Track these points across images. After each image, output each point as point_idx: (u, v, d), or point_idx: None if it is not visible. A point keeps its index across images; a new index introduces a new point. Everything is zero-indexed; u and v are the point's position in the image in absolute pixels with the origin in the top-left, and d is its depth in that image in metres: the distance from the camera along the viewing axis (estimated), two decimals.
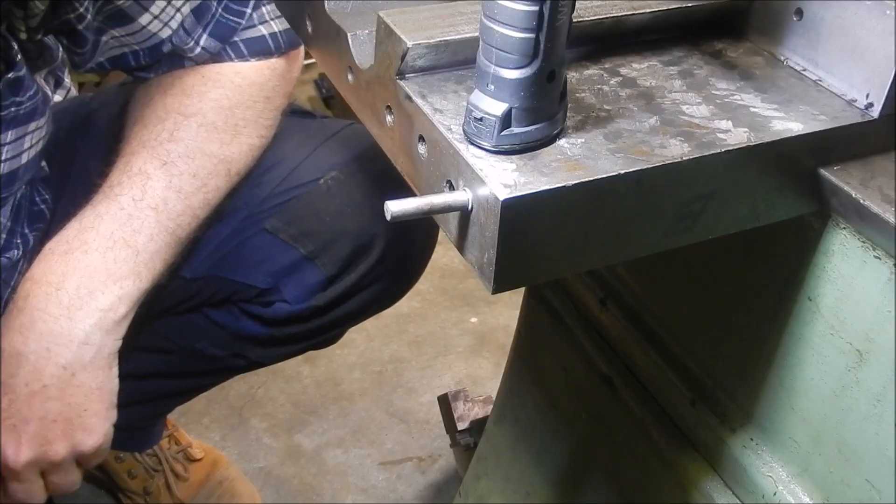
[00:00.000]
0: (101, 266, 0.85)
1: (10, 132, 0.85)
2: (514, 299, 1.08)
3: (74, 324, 0.83)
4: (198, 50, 0.95)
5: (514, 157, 0.48)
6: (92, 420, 0.85)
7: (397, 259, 1.08)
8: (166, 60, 0.97)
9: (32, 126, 0.88)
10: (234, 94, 0.95)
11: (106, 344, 0.84)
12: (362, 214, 1.04)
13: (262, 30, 0.97)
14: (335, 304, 1.07)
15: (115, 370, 0.86)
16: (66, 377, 0.82)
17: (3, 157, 0.86)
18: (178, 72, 0.96)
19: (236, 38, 0.96)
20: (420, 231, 1.10)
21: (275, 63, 0.99)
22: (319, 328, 1.10)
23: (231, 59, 0.97)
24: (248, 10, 0.95)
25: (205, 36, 0.94)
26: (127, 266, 0.85)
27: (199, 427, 1.62)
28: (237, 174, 0.95)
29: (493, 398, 1.17)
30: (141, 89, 0.98)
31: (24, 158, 0.89)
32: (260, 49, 0.97)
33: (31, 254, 0.94)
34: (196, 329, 1.13)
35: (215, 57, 0.97)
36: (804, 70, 0.58)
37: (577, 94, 0.54)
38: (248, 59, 0.97)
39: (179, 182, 0.90)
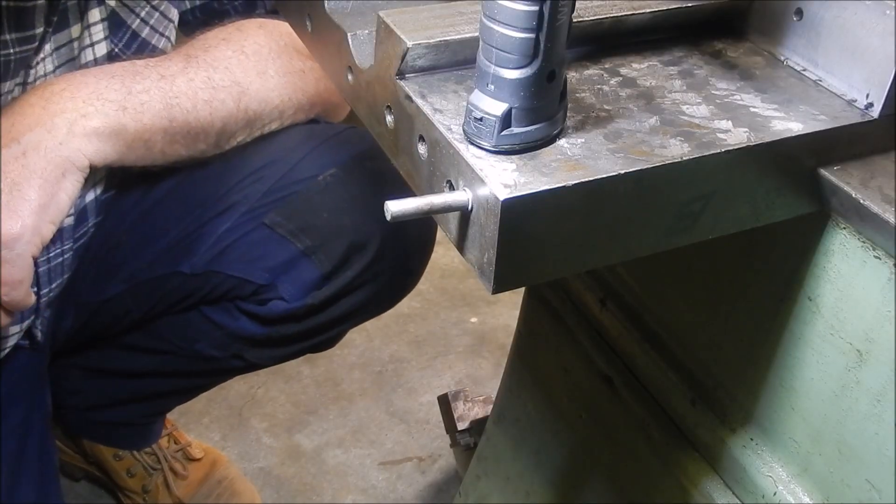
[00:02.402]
0: (91, 84, 0.87)
1: None
2: (514, 299, 1.08)
3: (45, 112, 0.84)
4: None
5: (514, 157, 0.47)
6: (19, 203, 0.81)
7: (394, 258, 1.08)
8: (237, 11, 1.05)
9: None
10: (277, 47, 1.00)
11: (67, 143, 0.83)
12: (360, 212, 1.04)
13: None
14: (331, 303, 1.07)
15: (69, 187, 0.84)
16: (17, 152, 0.82)
17: None
18: (244, 19, 1.03)
19: None
20: (417, 231, 1.10)
21: None
22: (315, 328, 1.10)
23: None
24: None
25: None
26: (116, 94, 0.87)
27: (199, 427, 1.62)
28: (245, 110, 0.97)
29: (493, 398, 1.17)
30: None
31: None
32: None
33: None
34: (194, 329, 1.13)
35: (279, 15, 1.01)
36: (804, 70, 0.58)
37: (577, 94, 0.54)
38: None
39: (194, 74, 0.93)
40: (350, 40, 0.59)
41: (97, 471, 1.45)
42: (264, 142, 1.02)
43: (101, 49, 0.96)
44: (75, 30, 0.92)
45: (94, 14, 0.93)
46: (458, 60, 0.55)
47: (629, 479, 0.89)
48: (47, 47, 0.90)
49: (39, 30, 0.86)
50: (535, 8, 0.43)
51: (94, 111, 0.85)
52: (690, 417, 0.77)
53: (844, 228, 0.56)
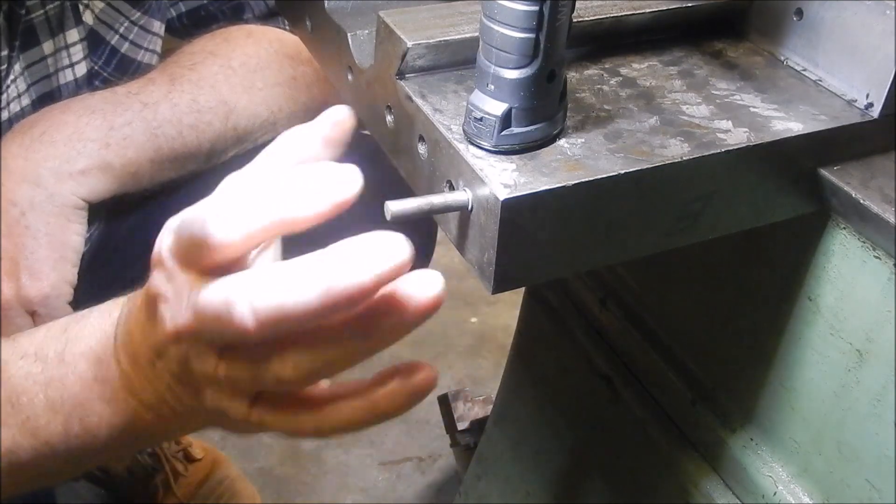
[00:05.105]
0: (71, 123, 0.85)
1: None
2: (514, 299, 1.08)
3: (28, 163, 0.82)
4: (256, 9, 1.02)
5: (514, 157, 0.47)
6: (39, 265, 0.81)
7: None
8: (226, 15, 1.02)
9: None
10: (266, 56, 0.98)
11: (60, 192, 0.82)
12: (360, 216, 1.04)
13: None
14: None
15: (77, 227, 0.84)
16: (15, 215, 0.81)
17: None
18: (232, 26, 1.00)
19: None
20: (419, 234, 1.10)
21: None
22: None
23: (284, 25, 1.00)
24: None
25: None
26: (97, 132, 0.85)
27: None
28: (234, 128, 0.95)
29: (493, 398, 1.17)
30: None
31: None
32: None
33: None
34: None
35: (267, 20, 1.00)
36: (804, 70, 0.58)
37: (577, 94, 0.54)
38: None
39: (178, 98, 0.91)
40: (350, 40, 0.59)
41: (97, 471, 1.45)
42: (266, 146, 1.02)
43: (81, 69, 0.94)
44: (47, 46, 0.89)
45: (73, 34, 0.92)
46: (458, 60, 0.55)
47: (629, 479, 0.89)
48: (17, 67, 0.87)
49: (2, 53, 0.84)
50: (535, 8, 0.43)
51: (76, 154, 0.83)
52: (690, 417, 0.77)
53: (844, 228, 0.56)
